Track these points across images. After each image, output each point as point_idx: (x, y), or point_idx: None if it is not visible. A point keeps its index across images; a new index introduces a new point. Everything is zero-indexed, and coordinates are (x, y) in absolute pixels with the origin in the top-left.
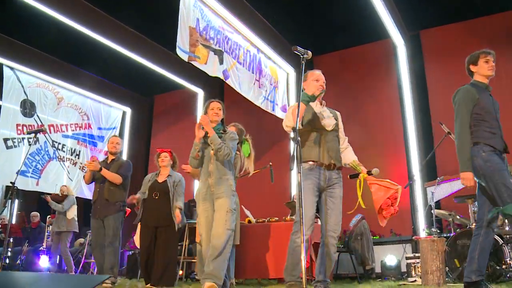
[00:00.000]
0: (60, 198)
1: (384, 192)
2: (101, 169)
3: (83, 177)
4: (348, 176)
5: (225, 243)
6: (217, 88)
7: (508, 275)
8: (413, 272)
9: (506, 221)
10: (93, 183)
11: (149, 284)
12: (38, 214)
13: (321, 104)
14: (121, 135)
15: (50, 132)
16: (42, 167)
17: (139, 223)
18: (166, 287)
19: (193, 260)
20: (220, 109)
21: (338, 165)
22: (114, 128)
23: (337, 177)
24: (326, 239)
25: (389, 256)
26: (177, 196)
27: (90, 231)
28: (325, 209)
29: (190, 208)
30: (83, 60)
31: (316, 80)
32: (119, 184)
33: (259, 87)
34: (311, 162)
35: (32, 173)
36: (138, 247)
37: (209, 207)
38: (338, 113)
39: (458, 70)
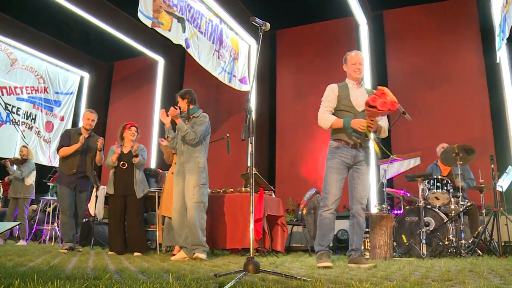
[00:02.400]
0: (20, 161)
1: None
2: (101, 150)
3: (58, 149)
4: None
5: (196, 214)
6: (179, 57)
7: (449, 250)
8: (362, 247)
9: (452, 199)
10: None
11: (113, 252)
12: None
13: (358, 84)
14: (78, 100)
15: (3, 94)
16: None
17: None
18: (141, 252)
19: (150, 229)
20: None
21: (364, 145)
22: (71, 93)
23: (363, 155)
24: (354, 209)
25: (341, 231)
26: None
27: (43, 197)
28: (352, 183)
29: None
30: (39, 20)
31: (353, 63)
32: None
33: (218, 58)
34: (338, 141)
35: None
36: (93, 214)
37: (181, 181)
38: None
39: (416, 52)
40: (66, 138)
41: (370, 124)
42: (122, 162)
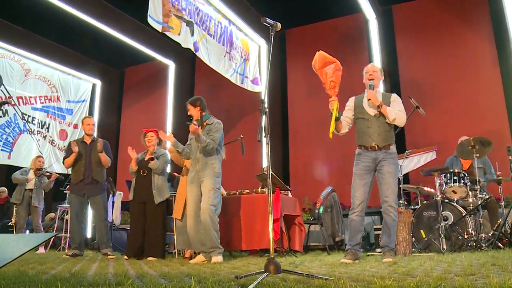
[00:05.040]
0: (41, 172)
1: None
2: (102, 151)
3: (63, 161)
4: None
5: (210, 216)
6: (189, 61)
7: (469, 244)
8: (381, 243)
9: (470, 193)
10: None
11: (127, 257)
12: (6, 190)
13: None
14: (91, 108)
15: (19, 104)
16: (13, 140)
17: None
18: (155, 257)
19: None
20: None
21: (382, 145)
22: (84, 101)
23: (384, 156)
24: (382, 209)
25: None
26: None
27: (61, 205)
28: (378, 184)
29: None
30: (51, 30)
31: (366, 72)
32: (107, 166)
33: (230, 60)
34: (359, 147)
35: (3, 146)
36: (110, 220)
37: (195, 188)
38: (392, 96)
39: (428, 46)
40: (69, 149)
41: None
42: (142, 170)
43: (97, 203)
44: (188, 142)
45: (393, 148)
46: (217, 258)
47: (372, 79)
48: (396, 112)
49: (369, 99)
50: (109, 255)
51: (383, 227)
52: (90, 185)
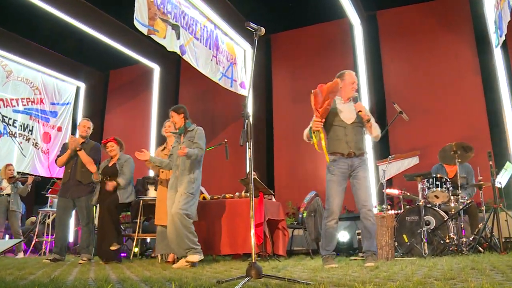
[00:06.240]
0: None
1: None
2: (80, 149)
3: (56, 160)
4: None
5: (180, 221)
6: (174, 64)
7: (450, 248)
8: (363, 248)
9: (452, 197)
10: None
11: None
12: None
13: (347, 100)
14: (75, 110)
15: (0, 107)
16: None
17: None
18: (110, 261)
19: (146, 236)
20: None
21: (358, 153)
22: (68, 104)
23: (359, 162)
24: (361, 214)
25: (342, 232)
26: (122, 174)
27: (42, 209)
28: (354, 190)
29: (144, 185)
30: (34, 32)
31: (352, 82)
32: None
33: (217, 64)
34: (334, 154)
35: None
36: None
37: (174, 194)
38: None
39: (411, 52)
40: (63, 149)
41: (316, 120)
42: (106, 177)
43: (81, 206)
44: (170, 152)
45: (366, 155)
46: (193, 257)
47: (356, 90)
48: (378, 129)
49: (359, 111)
50: (84, 260)
51: (363, 232)
52: (75, 187)
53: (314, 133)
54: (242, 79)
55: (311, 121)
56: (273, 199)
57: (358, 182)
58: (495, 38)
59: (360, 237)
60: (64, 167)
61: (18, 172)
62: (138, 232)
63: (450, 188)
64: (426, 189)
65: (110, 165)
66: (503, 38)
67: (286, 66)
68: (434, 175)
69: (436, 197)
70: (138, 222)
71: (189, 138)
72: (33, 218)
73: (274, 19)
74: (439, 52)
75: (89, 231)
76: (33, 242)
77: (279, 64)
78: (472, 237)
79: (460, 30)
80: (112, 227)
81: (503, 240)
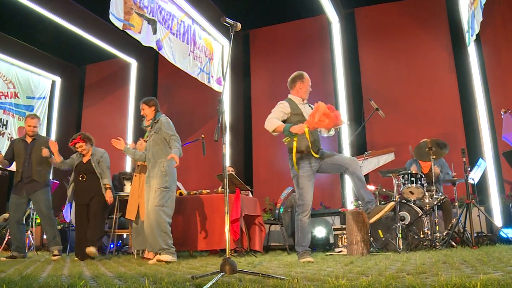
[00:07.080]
0: None
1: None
2: (51, 156)
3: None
4: None
5: (156, 218)
6: (152, 59)
7: (425, 243)
8: (340, 243)
9: (426, 193)
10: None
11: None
12: None
13: (303, 101)
14: (50, 105)
15: None
16: None
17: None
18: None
19: (123, 232)
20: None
21: (320, 148)
22: (44, 98)
23: (322, 154)
24: (350, 169)
25: (318, 228)
26: (103, 173)
27: None
28: (331, 167)
29: (121, 181)
30: (7, 24)
31: (310, 85)
32: (56, 162)
33: (194, 59)
34: (301, 152)
35: None
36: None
37: (148, 188)
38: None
39: (388, 49)
40: (9, 150)
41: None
42: (81, 175)
43: (38, 199)
44: (134, 151)
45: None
46: (165, 257)
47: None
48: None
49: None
50: (55, 255)
51: (358, 184)
52: (29, 184)
53: (294, 135)
54: (219, 75)
55: (297, 127)
56: (250, 195)
57: (332, 156)
58: (467, 37)
59: (337, 232)
60: (14, 165)
61: None
62: (115, 228)
63: (425, 184)
64: (402, 185)
65: (84, 161)
66: (474, 37)
67: (265, 61)
68: (409, 172)
69: (411, 193)
70: (114, 218)
71: (156, 130)
72: (6, 215)
73: (253, 15)
74: (416, 50)
75: (51, 222)
76: (6, 239)
77: (258, 59)
78: (445, 232)
79: (436, 28)
80: (95, 230)
81: (475, 235)
